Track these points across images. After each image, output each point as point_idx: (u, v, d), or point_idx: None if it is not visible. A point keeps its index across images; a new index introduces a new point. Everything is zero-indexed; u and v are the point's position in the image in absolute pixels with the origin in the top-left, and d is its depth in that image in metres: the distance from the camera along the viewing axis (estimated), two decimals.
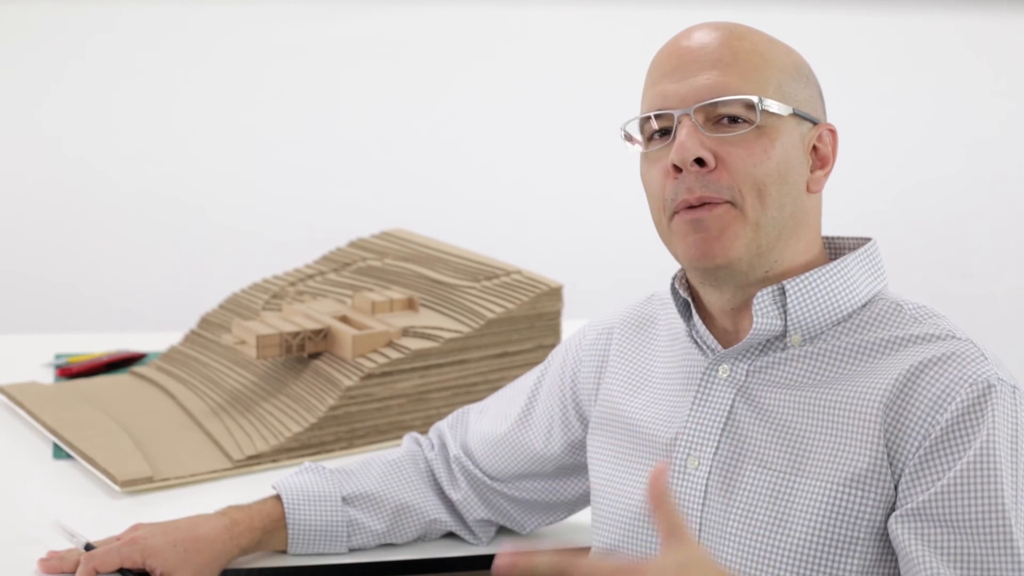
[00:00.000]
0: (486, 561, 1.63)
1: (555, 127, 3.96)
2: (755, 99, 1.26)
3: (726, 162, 1.26)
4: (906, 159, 4.04)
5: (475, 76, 3.99)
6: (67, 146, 3.83)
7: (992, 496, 1.16)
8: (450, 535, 1.65)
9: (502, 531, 1.66)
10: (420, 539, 1.63)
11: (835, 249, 1.37)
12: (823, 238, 1.36)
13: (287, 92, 3.92)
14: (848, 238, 1.37)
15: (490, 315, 2.00)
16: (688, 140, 1.25)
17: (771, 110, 1.26)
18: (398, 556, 1.60)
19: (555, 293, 2.05)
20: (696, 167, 1.26)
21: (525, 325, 2.03)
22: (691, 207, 1.27)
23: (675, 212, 1.28)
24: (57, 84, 3.83)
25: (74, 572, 1.45)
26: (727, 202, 1.26)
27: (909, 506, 1.19)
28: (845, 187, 4.02)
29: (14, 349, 2.34)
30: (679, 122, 1.27)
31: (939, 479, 1.18)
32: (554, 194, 3.96)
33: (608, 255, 3.81)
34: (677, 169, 1.26)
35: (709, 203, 1.26)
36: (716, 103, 1.26)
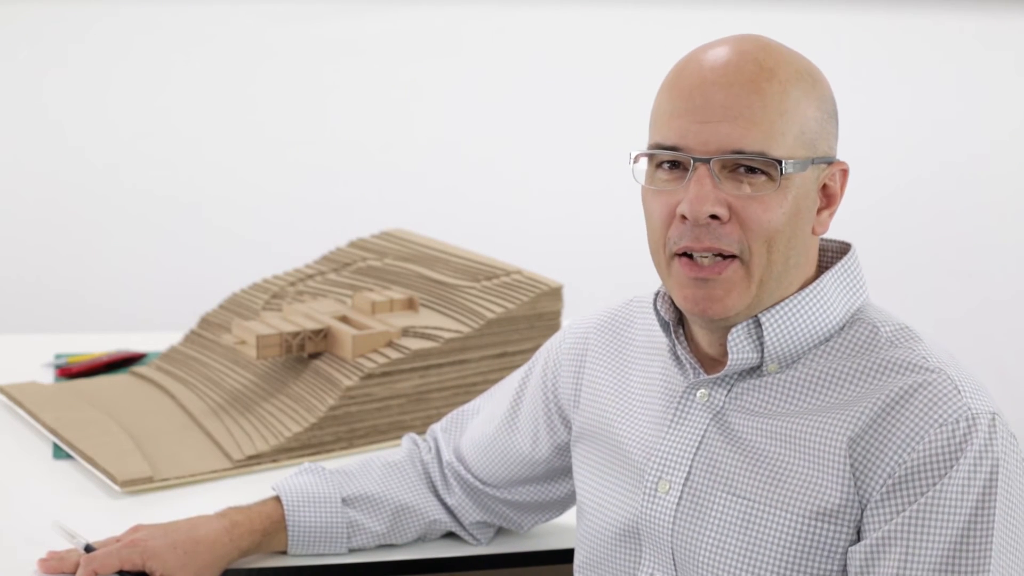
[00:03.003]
0: (486, 561, 1.63)
1: (556, 126, 3.96)
2: (779, 161, 1.21)
3: (741, 217, 1.22)
4: (906, 157, 4.04)
5: (475, 75, 3.98)
6: (66, 145, 3.83)
7: (942, 535, 1.15)
8: (450, 535, 1.65)
9: (501, 531, 1.66)
10: (420, 539, 1.63)
11: (818, 252, 1.34)
12: None
13: (287, 91, 3.91)
14: (829, 241, 1.34)
15: (490, 315, 2.00)
16: (704, 194, 1.21)
17: (791, 171, 1.22)
18: (398, 556, 1.60)
19: (555, 293, 2.05)
20: (708, 220, 1.22)
21: (525, 325, 2.03)
22: (693, 261, 1.23)
23: (676, 255, 1.25)
24: (56, 84, 3.82)
25: (74, 573, 1.45)
26: (735, 257, 1.23)
27: (865, 540, 1.19)
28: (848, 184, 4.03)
29: (14, 349, 2.34)
30: (694, 169, 1.22)
31: (897, 514, 1.17)
32: (554, 194, 3.95)
33: (609, 255, 3.81)
34: (684, 218, 1.23)
35: (718, 255, 1.22)
36: (736, 158, 1.22)
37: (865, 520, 1.19)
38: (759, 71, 1.23)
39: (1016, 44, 4.10)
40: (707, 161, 1.22)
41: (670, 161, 1.25)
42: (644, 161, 1.28)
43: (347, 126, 3.94)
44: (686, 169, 1.23)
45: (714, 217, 1.22)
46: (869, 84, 3.96)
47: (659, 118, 1.27)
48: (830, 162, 1.27)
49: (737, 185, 1.22)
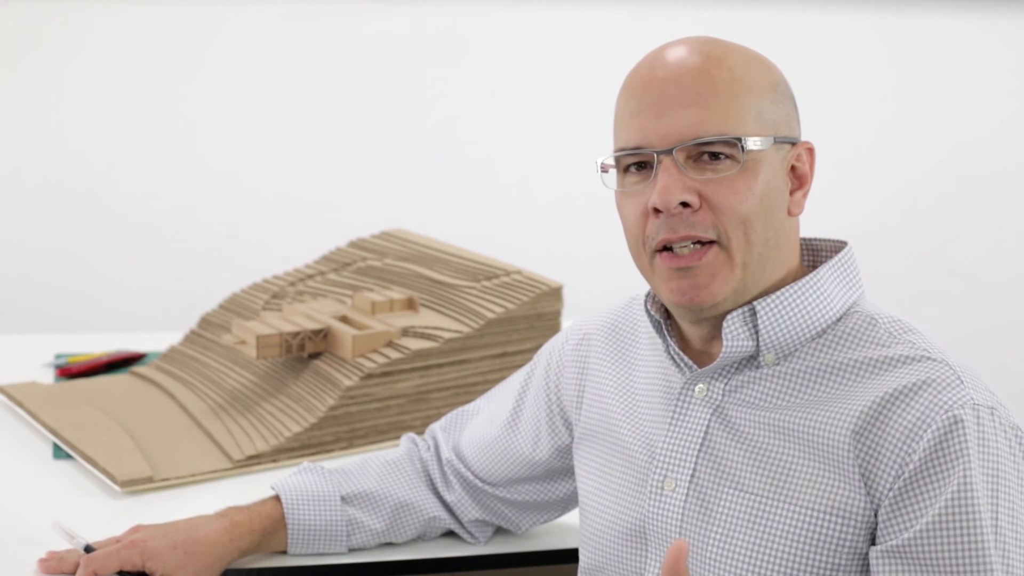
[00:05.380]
0: (486, 561, 1.63)
1: (556, 127, 3.96)
2: (738, 139, 1.23)
3: (711, 202, 1.23)
4: (904, 156, 4.04)
5: (476, 76, 3.99)
6: (66, 146, 3.83)
7: (973, 538, 1.15)
8: (449, 535, 1.65)
9: (501, 531, 1.66)
10: (420, 538, 1.63)
11: (812, 252, 1.36)
12: (800, 240, 1.34)
13: (287, 91, 3.91)
14: (824, 241, 1.35)
15: (490, 315, 2.00)
16: (671, 183, 1.23)
17: (754, 148, 1.24)
18: (398, 556, 1.60)
19: (555, 293, 2.05)
20: (680, 208, 1.24)
21: (525, 325, 2.03)
22: (674, 253, 1.25)
23: (656, 251, 1.26)
24: (57, 85, 3.82)
25: (74, 573, 1.45)
26: (714, 242, 1.24)
27: (890, 543, 1.18)
28: (845, 185, 4.03)
29: (14, 349, 2.34)
30: (659, 162, 1.24)
31: (918, 518, 1.17)
32: (555, 194, 3.95)
33: (609, 256, 3.80)
34: (658, 211, 1.25)
35: (696, 242, 1.24)
36: (698, 144, 1.24)
37: (882, 521, 1.19)
38: (706, 59, 1.25)
39: (1016, 44, 4.10)
40: (670, 152, 1.24)
41: (636, 163, 1.27)
42: (613, 171, 1.30)
43: (347, 126, 3.94)
44: (652, 167, 1.25)
45: (685, 205, 1.24)
46: (868, 84, 3.96)
47: (619, 123, 1.29)
48: (793, 143, 1.28)
49: (703, 172, 1.24)
